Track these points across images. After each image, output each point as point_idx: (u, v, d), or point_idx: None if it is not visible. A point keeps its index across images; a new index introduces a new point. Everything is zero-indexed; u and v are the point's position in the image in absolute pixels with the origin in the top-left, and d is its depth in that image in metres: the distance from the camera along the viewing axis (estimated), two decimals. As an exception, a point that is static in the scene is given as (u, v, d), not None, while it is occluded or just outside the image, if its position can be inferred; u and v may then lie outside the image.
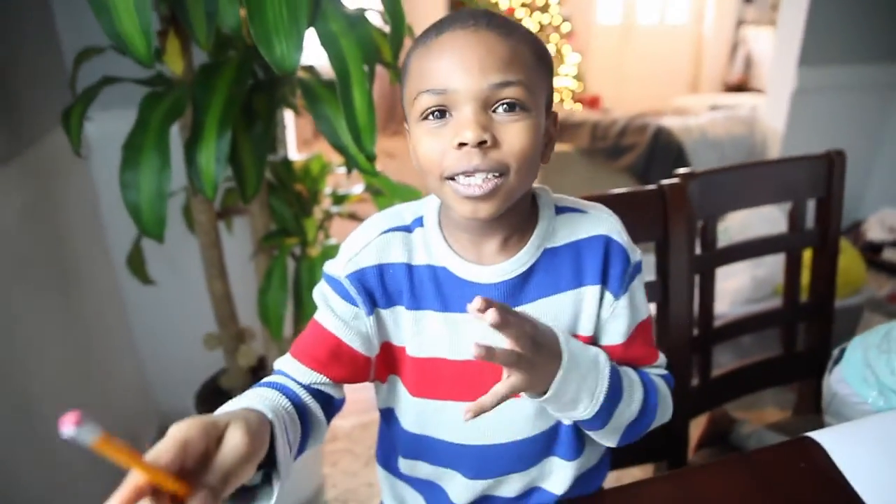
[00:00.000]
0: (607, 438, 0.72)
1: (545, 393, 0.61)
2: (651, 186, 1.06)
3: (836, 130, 2.63)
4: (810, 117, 2.57)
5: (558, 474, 0.77)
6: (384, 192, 1.51)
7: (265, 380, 0.70)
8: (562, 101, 5.64)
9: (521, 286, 0.68)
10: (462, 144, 0.58)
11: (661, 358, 0.79)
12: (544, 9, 5.47)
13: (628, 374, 0.72)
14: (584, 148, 2.60)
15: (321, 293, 0.72)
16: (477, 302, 0.53)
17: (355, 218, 1.57)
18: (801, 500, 0.73)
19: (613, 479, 1.47)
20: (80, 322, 1.49)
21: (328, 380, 0.70)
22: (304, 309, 1.35)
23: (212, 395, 1.65)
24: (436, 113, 0.60)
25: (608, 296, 0.71)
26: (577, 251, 0.70)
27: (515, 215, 0.67)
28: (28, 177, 1.25)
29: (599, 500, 0.79)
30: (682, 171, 1.12)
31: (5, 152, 1.18)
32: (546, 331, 0.61)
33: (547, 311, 0.69)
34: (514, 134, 0.59)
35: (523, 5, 5.41)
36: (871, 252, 2.60)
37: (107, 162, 1.50)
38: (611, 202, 1.05)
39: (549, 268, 0.69)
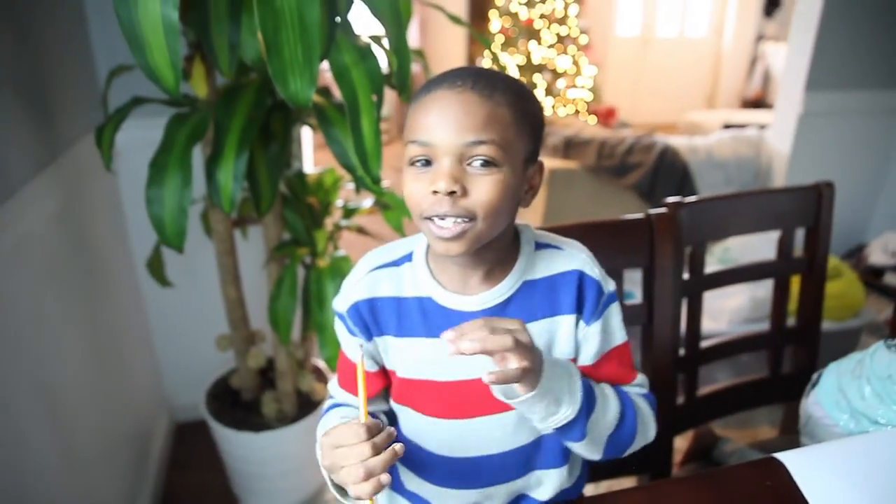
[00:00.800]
0: (591, 450, 0.76)
1: (534, 389, 0.66)
2: (639, 215, 1.12)
3: (842, 155, 2.66)
4: (816, 141, 2.60)
5: (544, 485, 0.84)
6: (392, 207, 1.59)
7: (335, 403, 0.87)
8: (577, 112, 5.67)
9: (499, 314, 0.75)
10: (436, 192, 0.66)
11: (640, 378, 0.85)
12: (562, 20, 5.51)
13: (600, 386, 0.78)
14: (590, 165, 2.66)
15: (336, 328, 0.83)
16: (448, 335, 0.62)
17: (363, 232, 1.65)
18: (761, 517, 0.78)
19: (604, 488, 1.53)
20: (102, 320, 1.57)
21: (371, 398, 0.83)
22: (311, 316, 1.43)
23: (222, 394, 1.74)
24: (420, 161, 0.69)
25: (581, 323, 0.79)
26: (553, 284, 0.77)
27: (496, 251, 0.75)
28: (61, 182, 1.34)
29: (573, 508, 0.85)
30: (671, 200, 1.18)
31: (43, 159, 1.27)
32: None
33: None
34: (483, 186, 0.67)
35: (542, 16, 5.46)
36: (873, 276, 2.62)
37: (132, 169, 1.58)
38: (601, 229, 1.12)
39: (526, 298, 0.77)
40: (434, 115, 0.67)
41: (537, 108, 0.73)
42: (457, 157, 0.66)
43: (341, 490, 0.69)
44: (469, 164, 0.67)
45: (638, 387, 0.85)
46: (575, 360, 0.80)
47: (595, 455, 0.78)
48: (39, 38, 1.31)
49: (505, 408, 0.75)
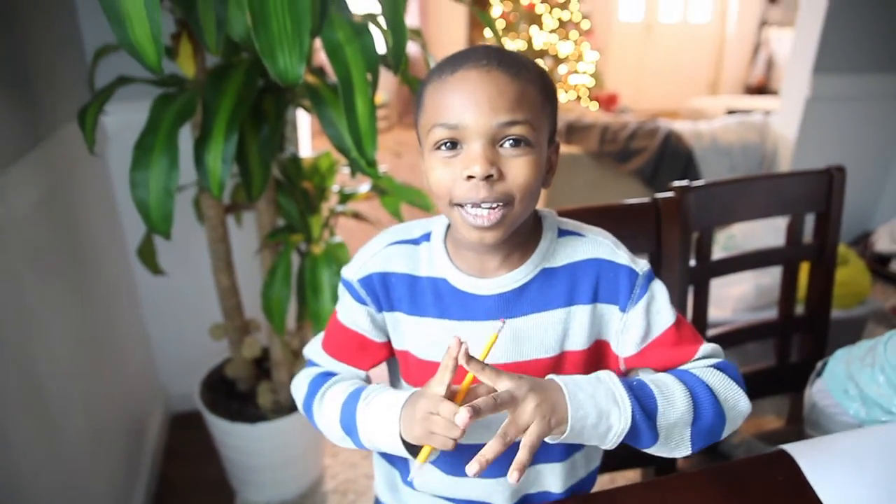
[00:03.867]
0: (673, 449, 0.71)
1: (567, 427, 0.63)
2: (645, 199, 1.08)
3: (849, 140, 2.61)
4: (823, 126, 2.55)
5: (546, 481, 0.82)
6: (389, 192, 1.54)
7: (324, 372, 0.83)
8: (578, 99, 5.61)
9: (514, 300, 0.73)
10: (470, 177, 0.63)
11: (706, 348, 0.77)
12: (564, 5, 5.44)
13: (654, 379, 0.72)
14: (592, 151, 2.61)
15: (340, 295, 0.81)
16: (454, 352, 0.62)
17: (359, 217, 1.60)
18: (771, 512, 0.75)
19: (607, 480, 1.50)
20: (93, 309, 1.53)
21: (361, 371, 0.83)
22: (306, 305, 1.39)
23: (217, 383, 1.70)
24: (448, 144, 0.65)
25: (616, 312, 0.75)
26: (573, 273, 0.74)
27: (517, 236, 0.72)
28: (46, 168, 1.29)
29: (577, 504, 0.81)
30: (678, 184, 1.14)
31: (25, 144, 1.22)
32: (530, 376, 0.64)
33: (537, 325, 0.74)
34: (519, 168, 0.64)
35: (543, 1, 5.38)
36: (879, 263, 2.58)
37: (123, 153, 1.52)
38: (605, 214, 1.08)
39: (543, 286, 0.74)
40: (462, 95, 0.64)
41: (554, 86, 0.71)
42: (489, 139, 0.64)
43: (411, 451, 0.69)
44: (500, 146, 0.64)
45: (704, 359, 0.76)
46: (588, 352, 0.76)
47: (683, 451, 0.72)
48: (21, 15, 1.26)
49: None
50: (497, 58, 0.65)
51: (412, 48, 4.80)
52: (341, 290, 0.80)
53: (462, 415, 0.58)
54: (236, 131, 1.04)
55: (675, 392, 0.70)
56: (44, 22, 1.39)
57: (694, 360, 0.76)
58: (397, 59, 1.02)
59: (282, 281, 1.38)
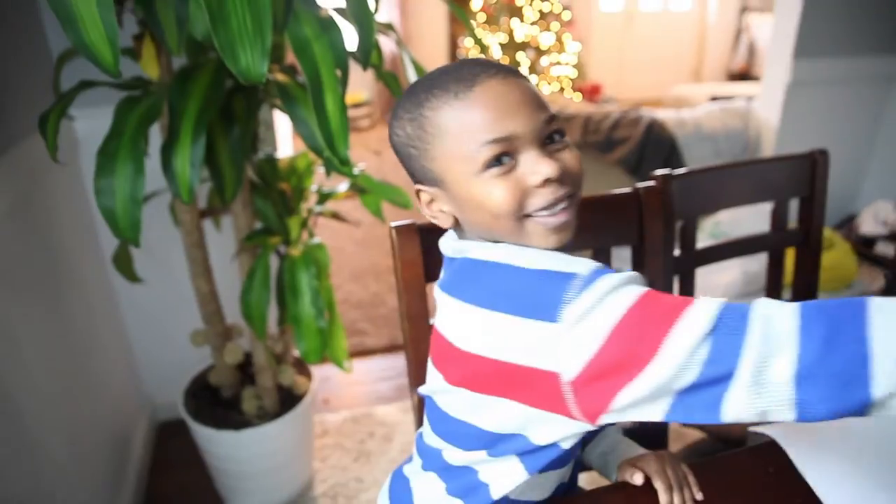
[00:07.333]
0: None
1: None
2: (627, 189, 1.06)
3: (831, 124, 2.61)
4: (805, 110, 2.54)
5: None
6: (369, 191, 1.52)
7: None
8: (562, 90, 5.59)
9: None
10: (546, 181, 0.61)
11: None
12: (545, -3, 5.41)
13: None
14: (575, 142, 2.58)
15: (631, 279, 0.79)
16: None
17: (338, 217, 1.57)
18: (763, 504, 0.73)
19: (588, 478, 1.48)
20: (70, 320, 1.50)
21: None
22: (286, 308, 1.36)
23: (201, 391, 1.67)
24: (501, 159, 0.61)
25: None
26: None
27: None
28: (14, 177, 1.26)
29: (566, 505, 0.79)
30: (660, 172, 1.12)
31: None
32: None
33: None
34: (570, 158, 0.64)
35: (523, -7, 5.35)
36: (865, 245, 2.58)
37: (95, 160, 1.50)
38: (586, 206, 1.05)
39: None
40: (499, 105, 0.61)
41: None
42: (540, 140, 0.62)
43: None
44: (547, 145, 0.63)
45: None
46: None
47: None
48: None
49: None
50: (495, 66, 0.64)
51: (388, 45, 4.75)
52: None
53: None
54: (204, 134, 1.01)
55: None
56: (6, 27, 1.35)
57: None
58: (366, 53, 0.99)
59: (261, 285, 1.35)
